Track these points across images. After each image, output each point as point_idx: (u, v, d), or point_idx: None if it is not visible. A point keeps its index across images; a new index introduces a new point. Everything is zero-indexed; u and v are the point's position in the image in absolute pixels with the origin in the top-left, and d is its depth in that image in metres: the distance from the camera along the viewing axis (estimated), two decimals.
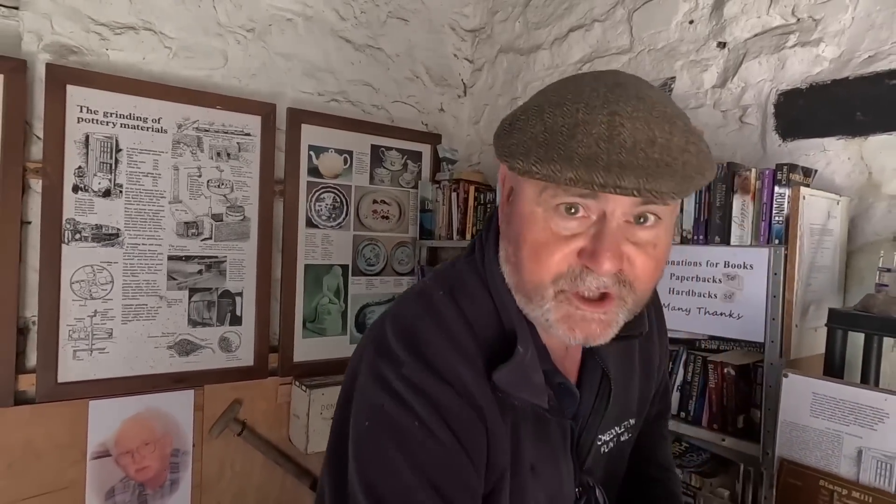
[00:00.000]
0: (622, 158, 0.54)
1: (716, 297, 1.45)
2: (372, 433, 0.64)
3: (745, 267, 1.40)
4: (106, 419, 1.96)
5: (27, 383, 1.86)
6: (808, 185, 1.41)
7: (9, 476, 1.82)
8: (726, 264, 1.44)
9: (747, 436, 1.39)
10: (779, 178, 1.38)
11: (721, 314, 1.44)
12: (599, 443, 0.79)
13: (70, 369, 1.91)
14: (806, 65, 1.62)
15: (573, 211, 0.60)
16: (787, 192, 1.36)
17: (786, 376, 1.14)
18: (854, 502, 1.01)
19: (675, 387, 1.56)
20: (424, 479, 0.61)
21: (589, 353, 0.78)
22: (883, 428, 1.00)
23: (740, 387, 1.42)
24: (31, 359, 1.89)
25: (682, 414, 1.53)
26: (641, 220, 0.61)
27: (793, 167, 1.39)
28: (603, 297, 0.61)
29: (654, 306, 0.90)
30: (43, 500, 1.87)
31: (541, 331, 0.71)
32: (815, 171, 1.49)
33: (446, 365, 0.64)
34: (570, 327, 0.62)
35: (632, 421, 0.85)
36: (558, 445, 0.73)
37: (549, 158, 0.56)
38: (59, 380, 1.89)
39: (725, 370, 1.43)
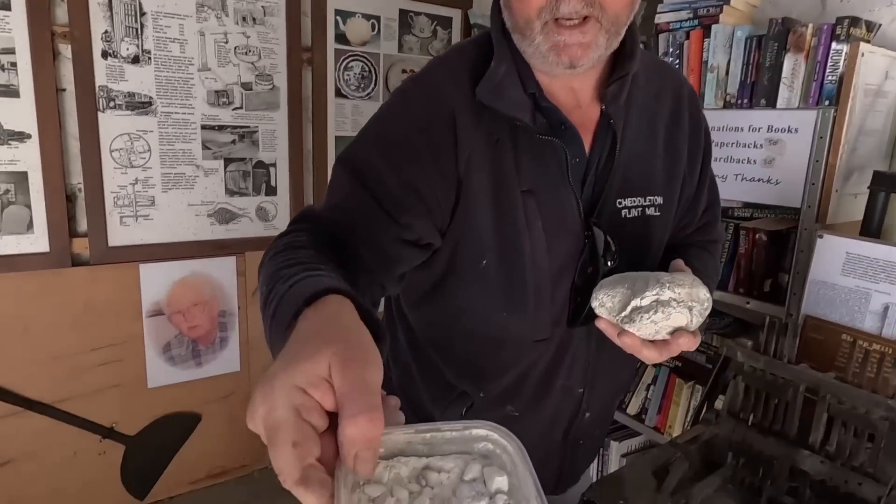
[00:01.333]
0: None
1: (755, 162, 1.42)
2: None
3: (789, 131, 1.36)
4: (156, 281, 2.09)
5: (81, 247, 1.98)
6: (868, 42, 1.32)
7: (74, 331, 1.99)
8: (770, 129, 1.39)
9: (772, 298, 1.43)
10: (837, 32, 1.29)
11: (759, 180, 1.42)
12: (620, 205, 0.80)
13: (119, 234, 2.01)
14: None
15: None
16: (845, 48, 1.28)
17: (821, 237, 1.15)
18: (875, 353, 1.05)
19: None
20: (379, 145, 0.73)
21: (604, 116, 0.79)
22: None
23: (770, 252, 1.44)
24: (82, 224, 1.99)
25: None
26: None
27: (854, 21, 1.29)
28: (583, 21, 0.68)
29: (688, 99, 0.88)
30: (108, 351, 2.06)
31: (541, 75, 0.75)
32: (879, 25, 1.38)
33: (431, 79, 0.76)
34: (557, 53, 0.69)
35: (658, 199, 0.83)
36: (554, 171, 0.75)
37: None
38: (110, 244, 2.00)
39: (757, 236, 1.44)
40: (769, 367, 1.01)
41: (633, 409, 1.82)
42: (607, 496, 0.99)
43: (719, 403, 1.10)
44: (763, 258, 1.44)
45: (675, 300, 0.66)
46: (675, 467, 1.04)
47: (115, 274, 2.03)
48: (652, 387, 1.77)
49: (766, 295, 1.45)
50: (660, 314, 0.66)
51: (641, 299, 0.67)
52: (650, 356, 0.70)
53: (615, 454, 1.89)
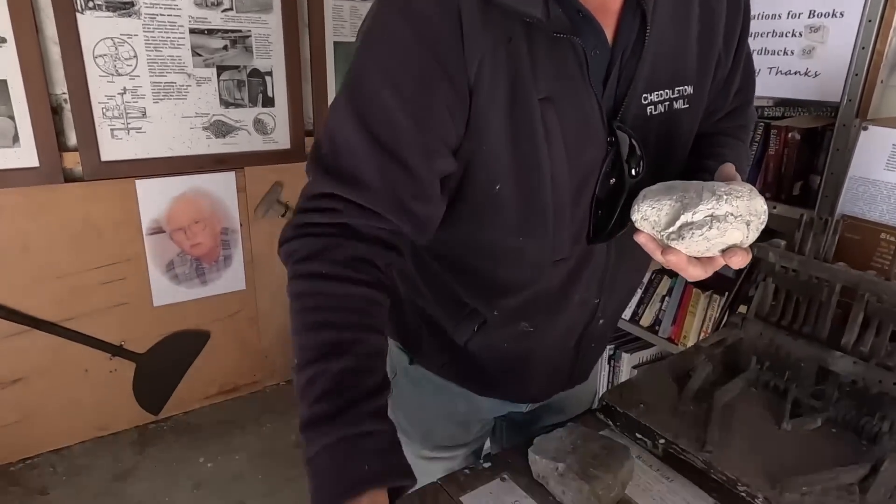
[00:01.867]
0: None
1: (792, 53, 1.31)
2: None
3: (833, 15, 1.23)
4: (154, 198, 2.02)
5: (72, 161, 1.89)
6: None
7: (74, 249, 1.95)
8: (811, 14, 1.27)
9: (802, 202, 1.36)
10: None
11: (796, 73, 1.31)
12: (646, 101, 0.70)
13: (111, 148, 1.92)
14: None
15: None
16: None
17: (865, 129, 1.06)
18: None
19: None
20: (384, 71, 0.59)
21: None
22: None
23: (803, 153, 1.35)
24: (71, 137, 1.90)
25: None
26: None
27: None
28: None
29: None
30: (111, 269, 2.02)
31: None
32: None
33: None
34: None
35: (689, 89, 0.73)
36: (574, 73, 0.63)
37: None
38: (103, 158, 1.91)
39: (790, 135, 1.34)
40: (803, 268, 0.95)
41: (646, 320, 1.79)
42: (627, 400, 0.96)
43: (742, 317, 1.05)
44: (794, 159, 1.35)
45: (731, 214, 0.58)
46: (697, 372, 1.01)
47: (111, 190, 1.95)
48: (667, 298, 1.73)
49: (794, 199, 1.37)
50: (714, 230, 0.57)
51: (693, 214, 0.58)
52: (695, 274, 0.62)
53: (626, 366, 1.89)
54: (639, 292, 1.81)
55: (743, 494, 0.80)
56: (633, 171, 0.70)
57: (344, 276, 0.58)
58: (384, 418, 0.55)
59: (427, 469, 0.88)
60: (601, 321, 0.87)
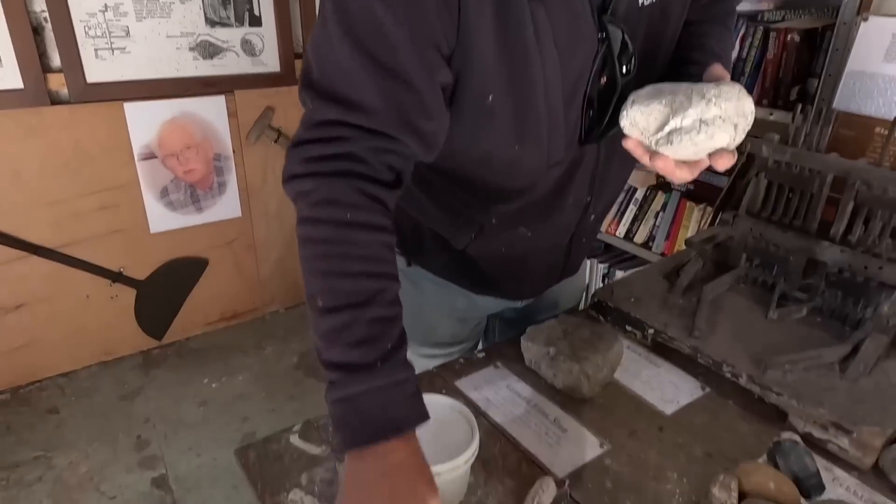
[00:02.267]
0: None
1: None
2: None
3: None
4: (144, 122, 1.99)
5: (57, 83, 1.85)
6: None
7: (67, 173, 1.93)
8: None
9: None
10: None
11: None
12: None
13: (96, 69, 1.87)
14: None
15: None
16: None
17: (865, 20, 1.04)
18: None
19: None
20: None
21: None
22: None
23: (801, 55, 1.32)
24: (55, 59, 1.85)
25: None
26: None
27: None
28: None
29: None
30: (104, 195, 2.01)
31: None
32: None
33: None
34: None
35: None
36: None
37: None
38: (89, 80, 1.87)
39: (789, 37, 1.31)
40: (796, 159, 0.95)
41: (640, 237, 1.80)
42: (619, 296, 0.98)
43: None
44: (793, 63, 1.32)
45: (720, 117, 0.57)
46: (687, 267, 1.02)
47: (100, 113, 1.92)
48: (661, 213, 1.74)
49: (791, 105, 1.35)
50: (702, 135, 0.57)
51: (682, 119, 0.57)
52: (682, 176, 0.62)
53: None
54: (633, 209, 1.81)
55: (728, 375, 0.83)
56: (625, 69, 0.68)
57: (368, 224, 0.58)
58: (410, 365, 0.58)
59: (426, 366, 0.91)
60: (592, 217, 0.88)
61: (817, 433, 0.75)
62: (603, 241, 1.97)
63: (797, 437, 0.72)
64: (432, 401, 0.69)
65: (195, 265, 2.27)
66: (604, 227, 1.89)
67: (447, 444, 0.63)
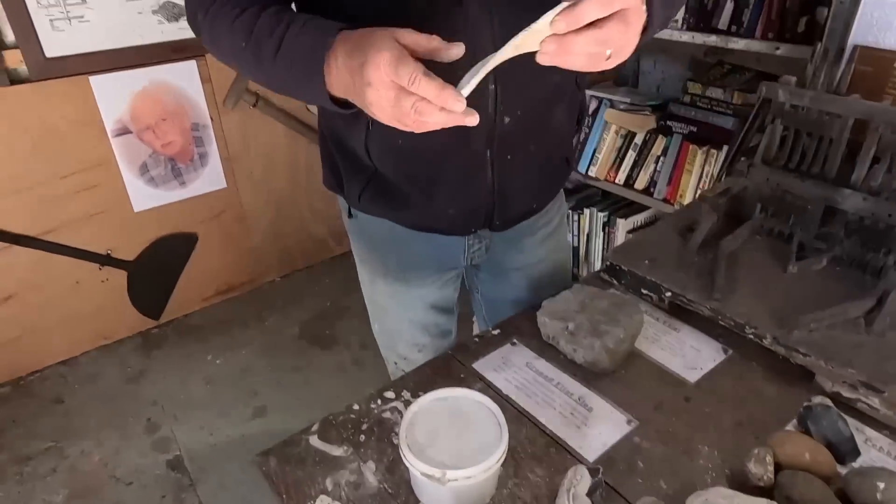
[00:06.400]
0: None
1: None
2: None
3: None
4: (113, 95, 1.88)
5: (14, 60, 1.73)
6: None
7: (37, 156, 1.83)
8: None
9: (807, 40, 1.27)
10: None
11: None
12: None
13: (54, 42, 1.75)
14: None
15: None
16: None
17: None
18: None
19: None
20: None
21: None
22: None
23: None
24: (8, 34, 1.72)
25: (734, 27, 1.38)
26: None
27: None
28: None
29: None
30: (81, 176, 1.92)
31: None
32: None
33: None
34: None
35: None
36: None
37: None
38: (48, 54, 1.75)
39: None
40: (815, 103, 0.90)
41: (640, 183, 1.75)
42: (632, 257, 0.95)
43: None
44: None
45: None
46: (701, 224, 0.99)
47: (65, 89, 1.81)
48: (662, 158, 1.68)
49: (799, 36, 1.28)
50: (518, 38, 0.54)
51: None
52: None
53: (621, 230, 1.88)
54: (632, 154, 1.75)
55: (751, 337, 0.81)
56: None
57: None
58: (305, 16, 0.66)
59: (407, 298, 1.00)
60: (507, 120, 0.81)
61: (846, 392, 0.73)
62: (600, 189, 1.93)
63: (828, 401, 0.71)
64: (457, 395, 0.66)
65: (185, 241, 2.21)
66: (601, 174, 1.84)
67: (476, 444, 0.60)
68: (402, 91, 0.54)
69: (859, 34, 1.02)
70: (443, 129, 0.76)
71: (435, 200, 0.87)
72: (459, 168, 0.85)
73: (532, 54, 0.58)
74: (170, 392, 1.98)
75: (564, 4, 0.52)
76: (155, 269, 2.17)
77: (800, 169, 0.95)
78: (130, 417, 1.88)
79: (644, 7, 0.57)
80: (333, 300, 2.38)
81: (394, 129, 0.78)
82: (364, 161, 0.87)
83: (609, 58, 0.55)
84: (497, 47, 0.61)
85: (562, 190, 1.06)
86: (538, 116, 0.85)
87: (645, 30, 0.60)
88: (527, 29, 0.53)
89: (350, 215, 0.98)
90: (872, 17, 0.99)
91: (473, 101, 0.74)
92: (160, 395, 1.97)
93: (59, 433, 1.82)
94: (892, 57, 0.98)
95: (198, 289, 2.32)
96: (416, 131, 0.58)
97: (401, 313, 1.04)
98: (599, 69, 0.56)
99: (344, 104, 0.64)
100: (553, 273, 1.08)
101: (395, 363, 1.10)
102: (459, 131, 0.79)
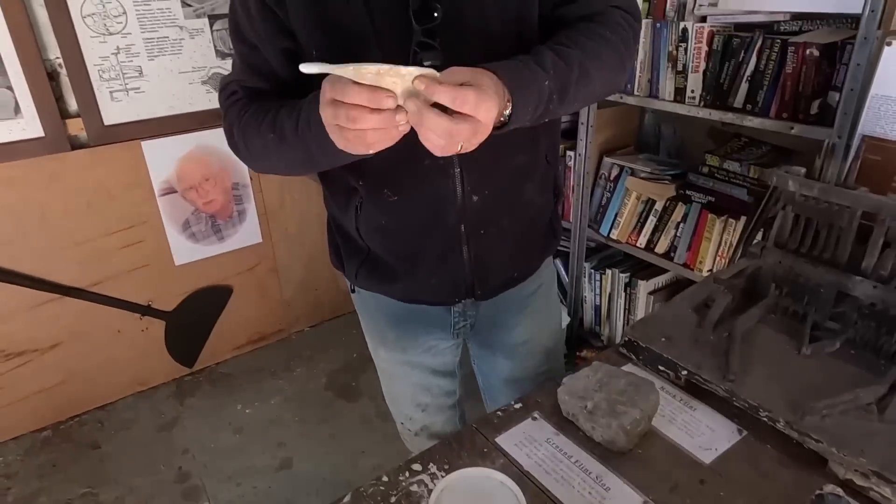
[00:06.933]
0: None
1: None
2: None
3: None
4: (162, 158, 2.02)
5: (76, 128, 1.88)
6: None
7: (91, 214, 1.97)
8: None
9: (819, 122, 1.33)
10: None
11: None
12: None
13: (112, 111, 1.90)
14: None
15: None
16: None
17: (888, 44, 1.02)
18: None
19: (745, 78, 1.44)
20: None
21: None
22: None
23: (821, 69, 1.30)
24: (71, 103, 1.87)
25: (749, 106, 1.45)
26: None
27: None
28: None
29: None
30: (129, 232, 2.05)
31: None
32: None
33: None
34: None
35: None
36: None
37: None
38: (106, 122, 1.89)
39: (808, 51, 1.29)
40: (824, 195, 0.95)
41: (661, 248, 1.80)
42: (650, 335, 0.99)
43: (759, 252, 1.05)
44: (812, 77, 1.31)
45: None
46: (716, 302, 1.02)
47: (119, 154, 1.95)
48: (682, 224, 1.73)
49: (812, 118, 1.34)
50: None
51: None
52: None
53: (643, 292, 1.92)
54: (652, 220, 1.81)
55: (765, 420, 0.84)
56: (436, 14, 0.74)
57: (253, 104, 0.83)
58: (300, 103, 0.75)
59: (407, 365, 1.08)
60: (475, 199, 0.88)
61: (859, 480, 0.75)
62: (623, 251, 1.97)
63: (839, 490, 0.73)
64: (478, 475, 0.71)
65: (220, 293, 2.31)
66: (623, 237, 1.89)
67: None
68: (340, 105, 0.60)
69: (867, 125, 1.07)
70: (419, 209, 0.89)
71: (418, 273, 0.95)
72: (437, 243, 0.92)
73: (496, 141, 0.69)
74: (201, 440, 2.04)
75: (430, 70, 0.60)
76: (191, 320, 2.27)
77: (811, 254, 0.99)
78: (162, 465, 1.94)
79: (505, 105, 0.66)
80: (359, 351, 2.43)
81: (377, 210, 0.91)
82: (358, 242, 0.96)
83: (461, 148, 0.64)
84: (462, 167, 0.80)
85: (550, 258, 1.11)
86: (507, 194, 0.92)
87: (504, 125, 0.69)
88: (396, 66, 0.60)
89: (352, 290, 1.07)
90: (880, 110, 1.04)
91: (442, 181, 0.87)
92: (191, 442, 2.03)
93: (95, 479, 1.89)
94: None
95: (230, 338, 2.41)
96: (364, 149, 0.65)
97: (403, 378, 1.11)
98: (452, 153, 0.65)
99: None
100: (544, 352, 1.13)
101: (402, 423, 1.17)
102: (435, 210, 0.89)
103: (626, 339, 1.01)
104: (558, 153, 0.99)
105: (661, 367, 0.96)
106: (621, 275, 1.96)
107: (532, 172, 0.94)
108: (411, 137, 0.79)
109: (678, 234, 1.75)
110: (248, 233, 2.28)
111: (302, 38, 0.79)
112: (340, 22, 0.77)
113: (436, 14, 0.74)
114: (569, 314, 2.13)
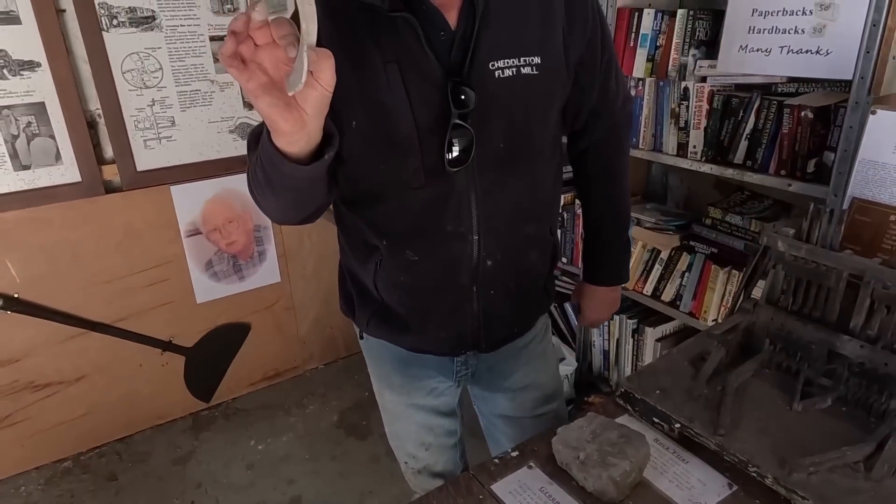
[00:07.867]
0: None
1: (803, 31, 1.30)
2: None
3: None
4: (189, 201, 2.12)
5: (111, 173, 2.00)
6: None
7: (119, 253, 2.07)
8: None
9: (817, 179, 1.37)
10: None
11: (807, 51, 1.31)
12: (493, 67, 0.86)
13: (145, 158, 2.02)
14: None
15: None
16: None
17: (873, 113, 1.07)
18: None
19: (744, 135, 1.50)
20: None
21: None
22: None
23: (816, 130, 1.35)
24: (108, 150, 2.00)
25: (749, 162, 1.50)
26: None
27: None
28: None
29: None
30: (155, 271, 2.14)
31: None
32: None
33: None
34: None
35: (536, 60, 0.89)
36: (413, 44, 0.81)
37: None
38: (139, 168, 2.01)
39: (802, 113, 1.35)
40: (811, 256, 0.99)
41: (667, 296, 1.83)
42: (645, 386, 1.02)
43: (758, 293, 1.09)
44: (808, 137, 1.36)
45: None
46: (711, 357, 1.06)
47: (148, 197, 2.06)
48: (686, 274, 1.77)
49: (809, 176, 1.39)
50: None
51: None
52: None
53: (650, 339, 1.94)
54: (658, 268, 1.85)
55: (754, 474, 0.86)
56: (457, 113, 0.83)
57: None
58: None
59: (411, 406, 1.14)
60: (489, 263, 0.96)
61: None
62: (630, 298, 2.00)
63: None
64: None
65: (239, 330, 2.38)
66: (630, 284, 1.93)
67: None
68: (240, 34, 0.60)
69: (857, 188, 1.11)
70: (437, 269, 0.97)
71: (429, 327, 1.02)
72: (449, 300, 0.99)
73: (511, 213, 0.85)
74: (214, 475, 2.08)
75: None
76: (210, 355, 2.34)
77: (802, 312, 1.03)
78: (176, 500, 1.98)
79: None
80: (370, 389, 2.44)
81: (397, 268, 0.98)
82: (373, 294, 1.02)
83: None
84: (480, 234, 0.91)
85: (545, 316, 1.20)
86: (515, 259, 1.01)
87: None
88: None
89: (361, 337, 1.14)
90: (868, 174, 1.09)
91: (460, 246, 0.95)
92: (204, 477, 2.07)
93: None
94: (888, 211, 1.06)
95: (246, 374, 2.47)
96: (259, 91, 0.62)
97: (407, 418, 1.17)
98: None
99: (318, 154, 0.73)
100: (542, 395, 1.19)
101: (406, 462, 1.22)
102: (451, 271, 0.98)
103: (623, 390, 1.04)
104: (558, 225, 1.11)
105: (655, 419, 0.99)
106: (629, 321, 1.99)
107: (538, 242, 1.03)
108: (435, 205, 0.89)
109: (683, 284, 1.78)
110: (267, 272, 2.36)
111: (339, 107, 0.84)
112: (381, 100, 0.83)
113: (465, 98, 0.83)
114: (577, 359, 2.16)
